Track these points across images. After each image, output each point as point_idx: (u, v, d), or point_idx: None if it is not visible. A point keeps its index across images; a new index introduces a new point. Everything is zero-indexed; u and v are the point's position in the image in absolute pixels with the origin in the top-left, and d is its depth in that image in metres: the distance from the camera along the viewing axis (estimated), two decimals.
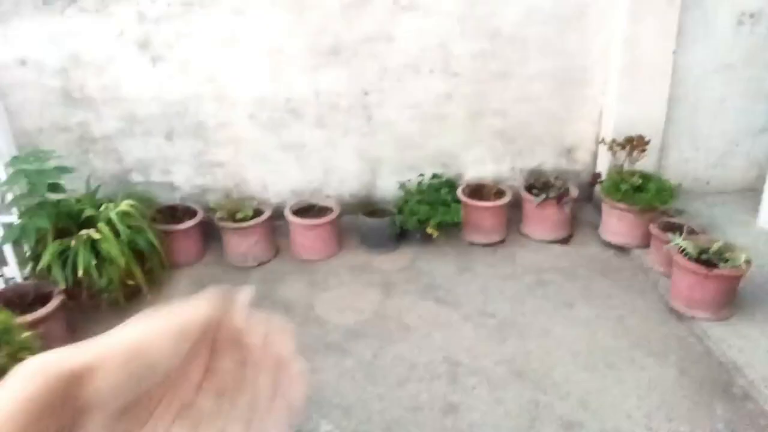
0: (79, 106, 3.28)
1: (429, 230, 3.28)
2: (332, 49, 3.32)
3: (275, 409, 0.49)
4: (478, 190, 3.55)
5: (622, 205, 3.21)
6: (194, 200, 3.55)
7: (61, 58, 3.17)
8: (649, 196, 3.14)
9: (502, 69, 3.48)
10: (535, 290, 3.03)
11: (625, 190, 3.19)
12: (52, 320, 2.54)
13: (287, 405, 0.50)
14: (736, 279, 2.63)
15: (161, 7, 3.13)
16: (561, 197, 3.35)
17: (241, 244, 3.28)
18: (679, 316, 2.75)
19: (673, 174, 3.62)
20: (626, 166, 3.36)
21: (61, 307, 2.60)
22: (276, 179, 3.62)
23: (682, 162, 3.78)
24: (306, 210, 3.50)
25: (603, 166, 3.62)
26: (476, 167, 3.73)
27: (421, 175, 3.58)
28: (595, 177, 3.52)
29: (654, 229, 3.07)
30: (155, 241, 2.93)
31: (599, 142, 3.61)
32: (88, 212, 2.83)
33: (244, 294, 0.51)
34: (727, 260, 2.63)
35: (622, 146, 3.34)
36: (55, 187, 2.77)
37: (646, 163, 3.38)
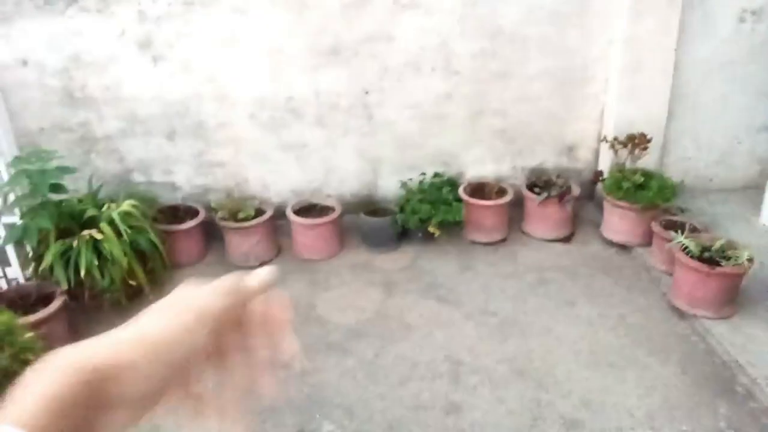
0: (80, 106, 3.28)
1: (430, 229, 3.28)
2: (332, 48, 3.32)
3: (269, 368, 0.51)
4: (479, 189, 3.55)
5: (623, 203, 3.21)
6: (195, 200, 3.55)
7: (63, 58, 3.17)
8: (651, 194, 3.14)
9: (503, 68, 3.47)
10: (536, 289, 3.03)
11: (627, 188, 3.19)
12: (55, 321, 2.55)
13: (281, 362, 0.52)
14: (739, 277, 2.63)
15: (162, 6, 3.13)
16: (563, 196, 3.35)
17: (243, 244, 3.28)
18: (682, 315, 2.75)
19: (675, 172, 3.61)
20: (628, 164, 3.36)
21: (64, 307, 2.61)
22: (277, 179, 3.62)
23: (684, 160, 3.77)
24: (307, 209, 3.50)
25: (605, 164, 3.62)
26: (477, 166, 3.73)
27: (423, 174, 3.58)
28: (597, 175, 3.52)
29: (656, 227, 3.06)
30: (157, 241, 2.93)
31: (601, 140, 3.61)
32: (90, 212, 2.84)
33: (263, 275, 0.52)
34: (729, 258, 2.62)
35: (624, 144, 3.34)
36: (57, 188, 2.77)
37: (647, 161, 3.38)
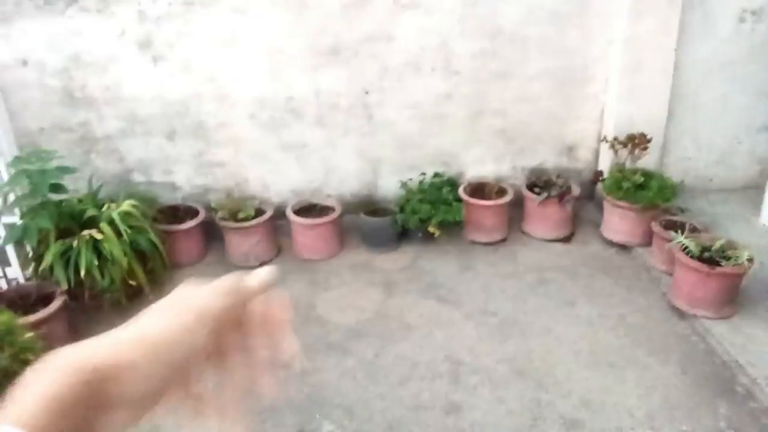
0: (80, 106, 3.28)
1: (430, 229, 3.28)
2: (332, 48, 3.32)
3: (269, 368, 0.52)
4: (479, 189, 3.55)
5: (623, 203, 3.21)
6: (195, 200, 3.55)
7: (63, 58, 3.17)
8: (651, 194, 3.14)
9: (503, 68, 3.47)
10: (536, 289, 3.03)
11: (627, 188, 3.19)
12: (55, 321, 2.55)
13: (281, 362, 0.53)
14: (739, 277, 2.63)
15: (162, 6, 3.13)
16: (563, 195, 3.35)
17: (243, 244, 3.28)
18: (682, 315, 2.75)
19: (675, 172, 3.62)
20: (628, 164, 3.36)
21: (64, 307, 2.61)
22: (277, 179, 3.62)
23: (684, 160, 3.77)
24: (307, 209, 3.50)
25: (605, 164, 3.62)
26: (477, 166, 3.73)
27: (423, 174, 3.58)
28: (597, 175, 3.52)
29: (656, 227, 3.06)
30: (157, 241, 2.93)
31: (601, 140, 3.61)
32: (90, 212, 2.84)
33: (263, 274, 0.53)
34: (729, 258, 2.62)
35: (624, 144, 3.34)
36: (57, 188, 2.77)
37: (647, 161, 3.38)
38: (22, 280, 2.90)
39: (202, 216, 3.36)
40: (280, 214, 3.43)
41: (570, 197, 3.39)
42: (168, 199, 3.53)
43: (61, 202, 2.83)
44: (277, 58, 3.32)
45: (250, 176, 3.60)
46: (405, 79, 3.43)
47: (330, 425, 2.23)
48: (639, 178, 3.20)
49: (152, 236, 2.91)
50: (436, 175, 3.57)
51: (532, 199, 3.42)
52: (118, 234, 2.75)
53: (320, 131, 3.52)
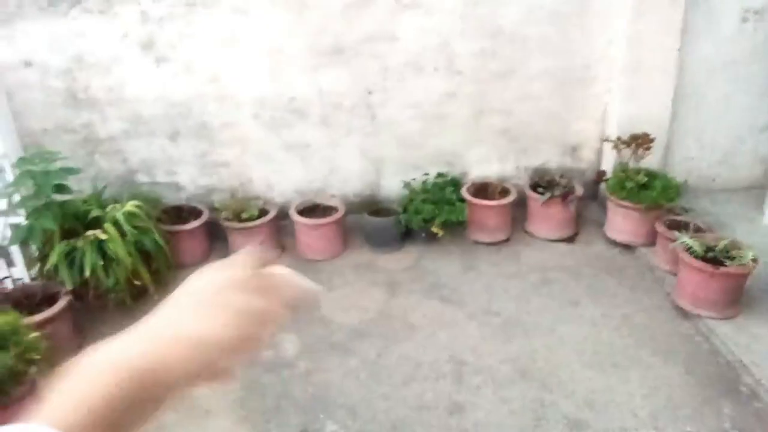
0: (83, 107, 3.29)
1: (434, 229, 3.28)
2: (334, 48, 3.33)
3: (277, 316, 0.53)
4: (482, 189, 3.55)
5: (627, 203, 3.20)
6: (199, 200, 3.56)
7: (66, 59, 3.18)
8: (655, 194, 3.13)
9: (505, 68, 3.47)
10: (540, 289, 3.02)
11: (631, 188, 3.18)
12: (59, 320, 2.56)
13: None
14: (743, 277, 2.62)
15: (164, 7, 3.13)
16: (566, 195, 3.34)
17: (247, 244, 3.27)
18: (685, 315, 2.74)
19: (678, 172, 3.61)
20: (631, 164, 3.35)
21: (68, 307, 2.62)
22: (280, 179, 3.63)
23: (687, 159, 3.77)
24: (311, 209, 3.50)
25: (608, 164, 3.61)
26: (480, 166, 3.72)
27: (426, 174, 3.58)
28: (600, 175, 3.51)
29: (660, 227, 3.06)
30: (161, 242, 2.94)
31: (604, 140, 3.60)
32: (95, 213, 2.85)
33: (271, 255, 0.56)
34: (733, 258, 2.62)
35: (627, 144, 3.33)
36: (61, 188, 2.78)
37: (651, 160, 3.37)
38: (27, 280, 2.91)
39: (205, 216, 3.36)
40: (283, 214, 3.43)
41: (573, 197, 3.38)
42: (172, 199, 3.54)
43: (65, 202, 2.84)
44: (279, 58, 3.32)
45: (255, 176, 3.60)
46: (407, 78, 3.43)
47: (333, 425, 2.23)
48: (642, 178, 3.19)
49: (156, 236, 2.92)
50: (439, 175, 3.57)
51: (535, 199, 3.42)
52: (123, 234, 2.76)
53: (323, 131, 3.52)
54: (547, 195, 3.35)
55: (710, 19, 3.41)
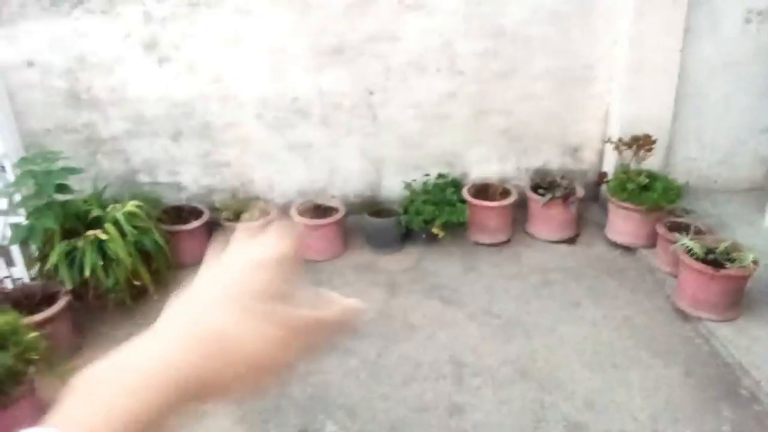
0: (85, 107, 3.30)
1: (434, 230, 3.28)
2: (336, 48, 3.33)
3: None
4: (483, 190, 3.54)
5: (628, 205, 3.20)
6: (200, 200, 3.56)
7: (68, 60, 3.19)
8: (656, 196, 3.13)
9: (507, 68, 3.47)
10: (540, 290, 3.02)
11: (632, 189, 3.18)
12: (59, 320, 2.56)
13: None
14: (743, 279, 2.61)
15: (167, 8, 3.14)
16: (567, 197, 3.34)
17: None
18: (686, 317, 2.74)
19: (679, 173, 3.60)
20: (633, 166, 3.34)
21: (68, 307, 2.62)
22: (282, 179, 3.63)
23: (688, 161, 3.76)
24: (311, 210, 3.50)
25: (609, 166, 3.61)
26: (481, 167, 3.72)
27: (427, 174, 3.58)
28: (602, 176, 3.50)
29: (660, 228, 3.05)
30: (161, 242, 2.94)
31: (605, 141, 3.60)
32: (95, 213, 2.85)
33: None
34: (734, 260, 2.61)
35: (629, 145, 3.33)
36: (62, 188, 2.78)
37: (652, 162, 3.37)
38: (27, 280, 2.91)
39: (206, 216, 3.37)
40: (284, 214, 3.43)
41: (574, 198, 3.38)
42: (173, 199, 3.54)
43: (66, 202, 2.84)
44: (281, 58, 3.33)
45: (256, 177, 3.61)
46: (409, 79, 3.44)
47: (333, 425, 2.23)
48: (644, 180, 3.19)
49: (157, 237, 2.93)
50: (440, 175, 3.57)
51: (536, 201, 3.42)
52: (123, 234, 2.76)
53: (324, 131, 3.52)
54: (548, 196, 3.34)
55: (712, 19, 3.40)
